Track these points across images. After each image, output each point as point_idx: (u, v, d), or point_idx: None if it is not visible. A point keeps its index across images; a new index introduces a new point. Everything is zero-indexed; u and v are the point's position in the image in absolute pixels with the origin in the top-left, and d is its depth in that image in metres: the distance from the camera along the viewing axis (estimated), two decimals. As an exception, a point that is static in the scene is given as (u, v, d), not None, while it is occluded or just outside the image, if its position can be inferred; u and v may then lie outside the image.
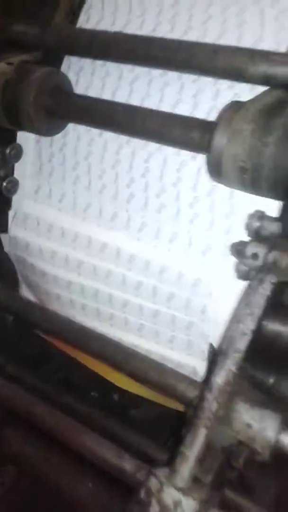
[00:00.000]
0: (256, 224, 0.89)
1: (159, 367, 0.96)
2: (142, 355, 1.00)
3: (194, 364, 1.09)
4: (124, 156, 1.04)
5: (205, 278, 0.99)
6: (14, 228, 1.25)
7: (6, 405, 1.03)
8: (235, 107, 0.82)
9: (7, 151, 1.22)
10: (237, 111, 0.81)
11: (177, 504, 0.72)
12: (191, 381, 0.92)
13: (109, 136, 1.07)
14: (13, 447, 1.34)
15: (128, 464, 0.87)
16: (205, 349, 1.06)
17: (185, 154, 0.97)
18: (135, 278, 1.05)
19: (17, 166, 1.25)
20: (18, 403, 1.01)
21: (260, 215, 0.89)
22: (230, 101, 0.85)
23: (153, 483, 0.73)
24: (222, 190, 0.94)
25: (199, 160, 0.96)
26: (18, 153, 1.23)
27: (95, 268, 1.10)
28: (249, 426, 0.85)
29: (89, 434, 0.92)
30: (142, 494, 0.72)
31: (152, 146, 1.01)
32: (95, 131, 1.10)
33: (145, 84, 1.00)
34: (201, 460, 0.88)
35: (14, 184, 1.26)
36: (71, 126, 1.14)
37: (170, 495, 0.72)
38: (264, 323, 1.02)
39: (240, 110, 0.81)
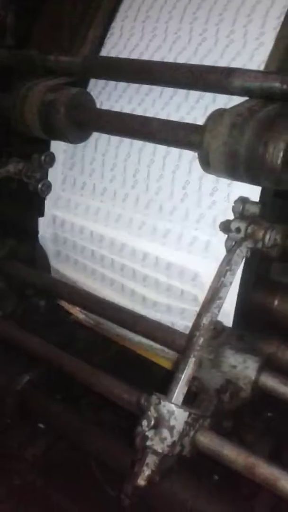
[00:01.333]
0: (240, 206, 1.11)
1: (160, 325, 1.19)
2: (147, 318, 1.23)
3: None
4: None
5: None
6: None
7: (39, 357, 1.26)
8: (219, 112, 1.05)
9: (42, 158, 1.48)
10: (221, 116, 1.04)
11: (171, 414, 0.93)
12: (183, 334, 1.15)
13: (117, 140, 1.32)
14: (41, 409, 1.54)
15: (135, 397, 1.08)
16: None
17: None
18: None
19: (50, 171, 1.50)
20: (48, 355, 1.24)
21: (243, 199, 1.12)
22: (216, 108, 1.08)
23: (153, 398, 0.94)
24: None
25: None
26: (51, 160, 1.49)
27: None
28: (234, 367, 1.06)
29: (105, 377, 1.14)
30: (142, 403, 0.93)
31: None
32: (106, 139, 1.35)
33: (152, 98, 1.25)
34: (198, 403, 1.09)
35: (48, 187, 1.51)
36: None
37: (165, 407, 0.93)
38: (253, 296, 1.23)
39: (223, 115, 1.04)
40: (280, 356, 1.14)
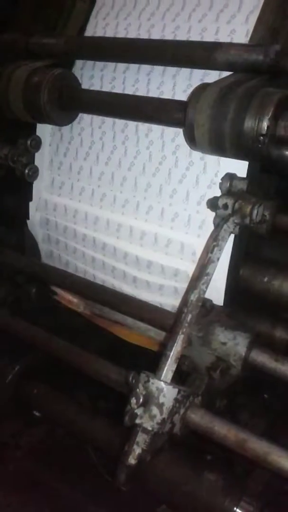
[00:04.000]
0: (227, 183, 1.10)
1: (148, 305, 1.18)
2: (134, 298, 1.22)
3: None
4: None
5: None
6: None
7: (30, 342, 1.25)
8: (202, 87, 1.04)
9: (28, 142, 1.46)
10: (203, 91, 1.03)
11: (160, 391, 0.92)
12: (171, 313, 1.14)
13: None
14: (36, 397, 1.53)
15: (123, 377, 1.07)
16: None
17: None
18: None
19: (37, 155, 1.48)
20: (40, 340, 1.23)
21: (230, 176, 1.10)
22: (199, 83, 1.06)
23: (141, 376, 0.93)
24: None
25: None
26: (37, 144, 1.47)
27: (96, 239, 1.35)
28: (224, 344, 1.05)
29: (92, 357, 1.13)
30: (130, 381, 0.92)
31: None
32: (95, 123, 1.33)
33: (135, 77, 1.23)
34: (190, 382, 1.09)
35: (35, 171, 1.49)
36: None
37: (154, 384, 0.92)
38: (243, 273, 1.23)
39: (206, 89, 1.02)
40: (270, 333, 1.13)
